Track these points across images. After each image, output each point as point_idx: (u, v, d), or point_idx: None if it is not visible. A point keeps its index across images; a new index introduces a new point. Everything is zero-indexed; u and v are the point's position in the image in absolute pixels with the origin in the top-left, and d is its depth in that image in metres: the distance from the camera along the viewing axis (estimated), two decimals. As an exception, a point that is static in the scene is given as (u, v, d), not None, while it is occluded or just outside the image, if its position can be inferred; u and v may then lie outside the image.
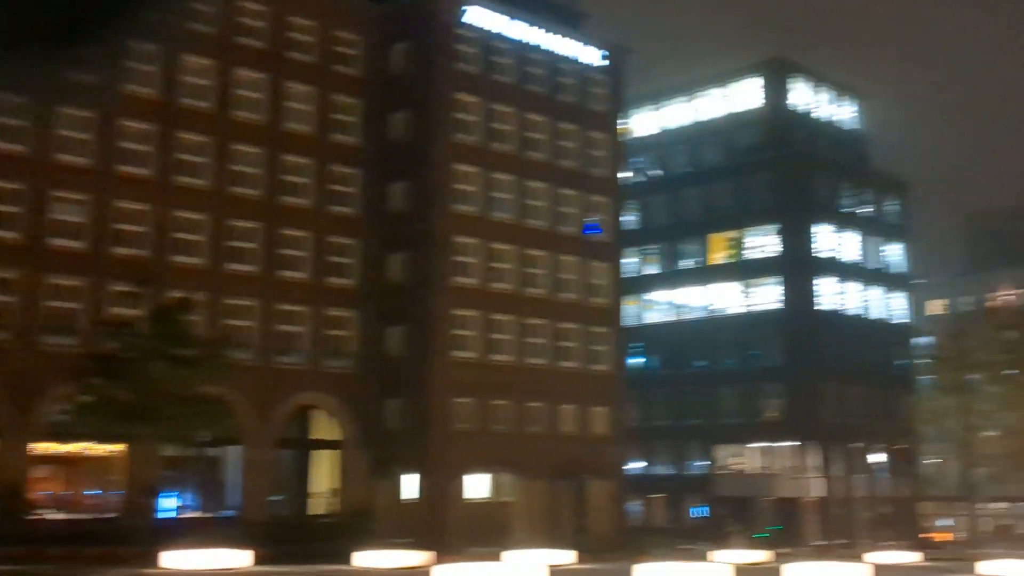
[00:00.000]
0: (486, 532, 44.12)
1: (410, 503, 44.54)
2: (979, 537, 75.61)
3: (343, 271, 45.75)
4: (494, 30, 48.66)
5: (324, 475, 46.12)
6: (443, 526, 42.83)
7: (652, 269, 74.35)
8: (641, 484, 65.00)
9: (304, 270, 44.51)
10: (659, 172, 76.82)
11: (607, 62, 53.11)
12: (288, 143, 44.74)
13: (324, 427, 45.77)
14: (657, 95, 77.13)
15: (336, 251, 45.59)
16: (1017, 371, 48.95)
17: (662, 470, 70.28)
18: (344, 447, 45.29)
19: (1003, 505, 77.55)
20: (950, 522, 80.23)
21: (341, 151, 46.14)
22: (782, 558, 40.31)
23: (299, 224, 44.40)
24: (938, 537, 73.55)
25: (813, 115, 74.09)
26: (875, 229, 72.21)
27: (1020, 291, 79.81)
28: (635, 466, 64.52)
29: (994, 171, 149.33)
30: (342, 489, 44.95)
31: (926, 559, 49.05)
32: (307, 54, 45.75)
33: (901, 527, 67.95)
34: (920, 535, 69.94)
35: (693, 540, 53.19)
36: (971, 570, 38.29)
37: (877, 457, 68.31)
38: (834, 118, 75.76)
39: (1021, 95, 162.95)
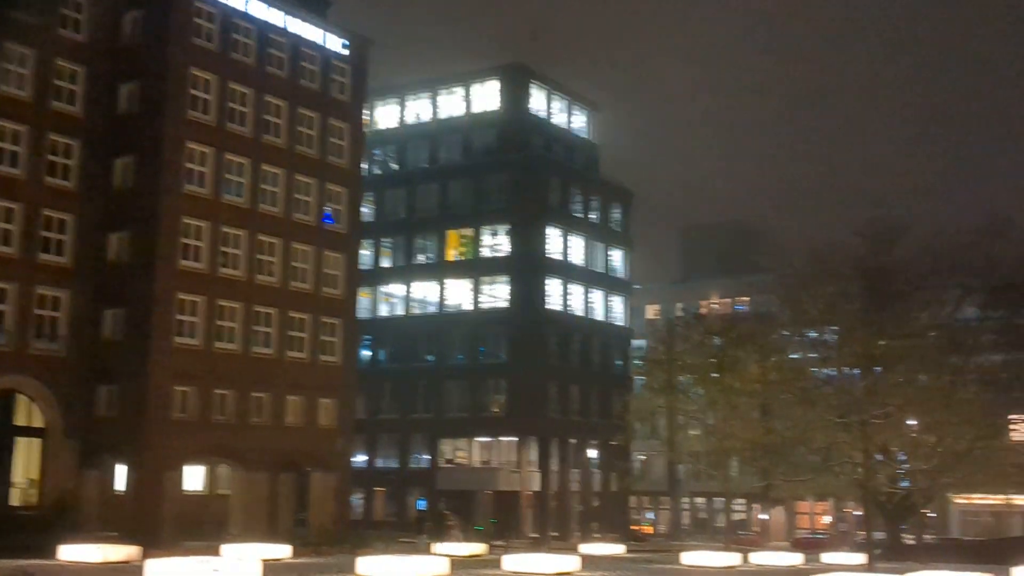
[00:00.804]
0: (202, 525, 42.66)
1: (123, 495, 42.36)
2: (680, 530, 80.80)
3: (57, 247, 42.81)
4: (234, 6, 47.06)
5: (30, 464, 43.02)
6: (156, 519, 40.98)
7: (387, 262, 74.49)
8: (365, 477, 64.98)
9: (12, 245, 41.29)
10: (398, 166, 77.09)
11: (348, 52, 52.62)
12: (1, 108, 41.36)
13: (28, 413, 42.66)
14: (400, 89, 77.44)
15: (50, 226, 42.59)
16: (721, 375, 52.54)
17: (386, 463, 70.58)
18: (49, 434, 42.40)
19: (702, 500, 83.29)
20: (655, 515, 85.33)
21: (61, 120, 43.16)
22: (497, 550, 41.39)
23: (9, 195, 41.15)
24: (644, 530, 78.03)
25: (549, 121, 76.65)
26: (600, 235, 75.65)
27: (727, 300, 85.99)
28: (360, 459, 64.43)
29: (711, 188, 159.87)
30: (47, 479, 42.03)
31: (631, 551, 51.82)
32: (27, 14, 42.40)
33: (612, 520, 71.58)
34: (630, 527, 73.93)
35: (414, 533, 53.67)
36: (676, 561, 40.82)
37: (592, 453, 71.61)
38: (568, 126, 78.71)
39: (740, 120, 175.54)
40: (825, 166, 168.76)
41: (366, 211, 65.83)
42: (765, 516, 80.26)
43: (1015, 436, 59.23)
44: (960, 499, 69.92)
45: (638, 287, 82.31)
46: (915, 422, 47.48)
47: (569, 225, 72.49)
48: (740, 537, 67.33)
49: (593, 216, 75.48)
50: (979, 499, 68.62)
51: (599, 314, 75.02)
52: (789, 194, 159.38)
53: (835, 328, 49.35)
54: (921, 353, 46.77)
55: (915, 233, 48.63)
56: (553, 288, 70.33)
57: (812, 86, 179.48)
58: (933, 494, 54.23)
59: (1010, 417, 55.67)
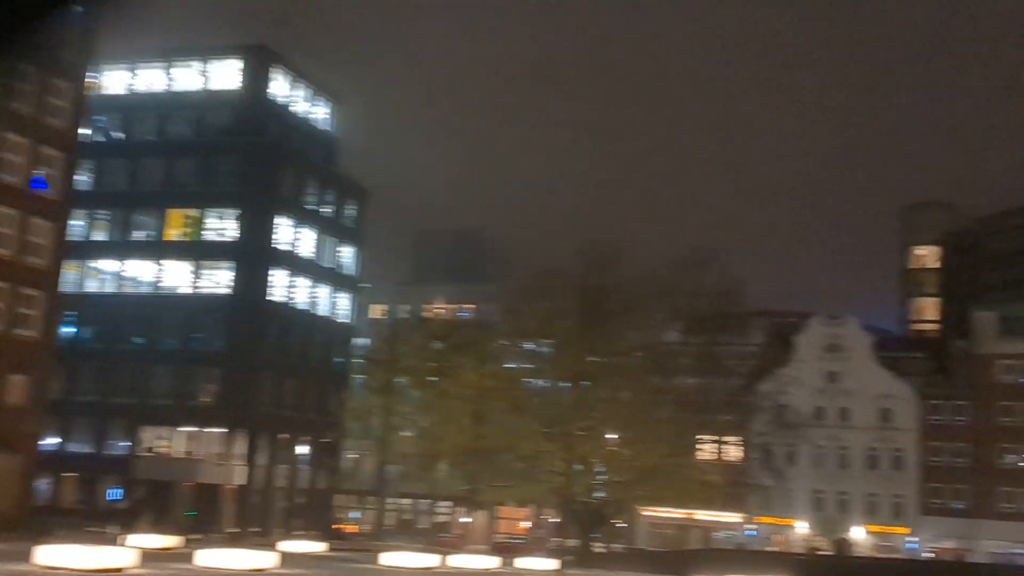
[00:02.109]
0: None
1: None
2: (384, 530, 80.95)
3: None
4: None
5: None
6: None
7: (101, 236, 70.21)
8: (54, 461, 60.85)
9: None
10: (122, 135, 72.94)
11: (81, 8, 49.32)
12: None
13: None
14: (133, 55, 73.19)
15: None
16: (438, 379, 53.26)
17: (79, 448, 66.39)
18: None
19: (408, 501, 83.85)
20: (361, 515, 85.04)
21: None
22: (193, 544, 39.90)
23: None
24: (348, 528, 77.58)
25: (288, 109, 74.95)
26: (332, 229, 74.67)
27: (451, 306, 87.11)
28: (50, 442, 60.23)
29: (449, 195, 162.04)
30: None
31: (332, 549, 51.36)
32: None
33: (316, 517, 70.66)
34: (333, 526, 73.26)
35: (106, 523, 50.84)
36: (374, 560, 40.79)
37: (302, 449, 70.49)
38: (309, 116, 77.28)
39: (489, 134, 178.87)
40: (558, 185, 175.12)
41: (83, 179, 61.86)
42: (468, 519, 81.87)
43: (702, 455, 63.41)
44: (648, 511, 74.16)
45: (366, 286, 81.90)
46: (615, 436, 49.93)
47: (301, 216, 71.12)
48: (441, 539, 68.30)
49: (327, 210, 74.46)
50: (665, 512, 73.00)
51: (324, 309, 74.02)
52: (523, 210, 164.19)
53: (551, 342, 51.24)
54: (626, 371, 49.34)
55: (632, 257, 51.34)
56: (278, 279, 68.72)
57: (562, 110, 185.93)
58: (625, 505, 57.23)
59: (698, 437, 59.46)
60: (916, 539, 73.38)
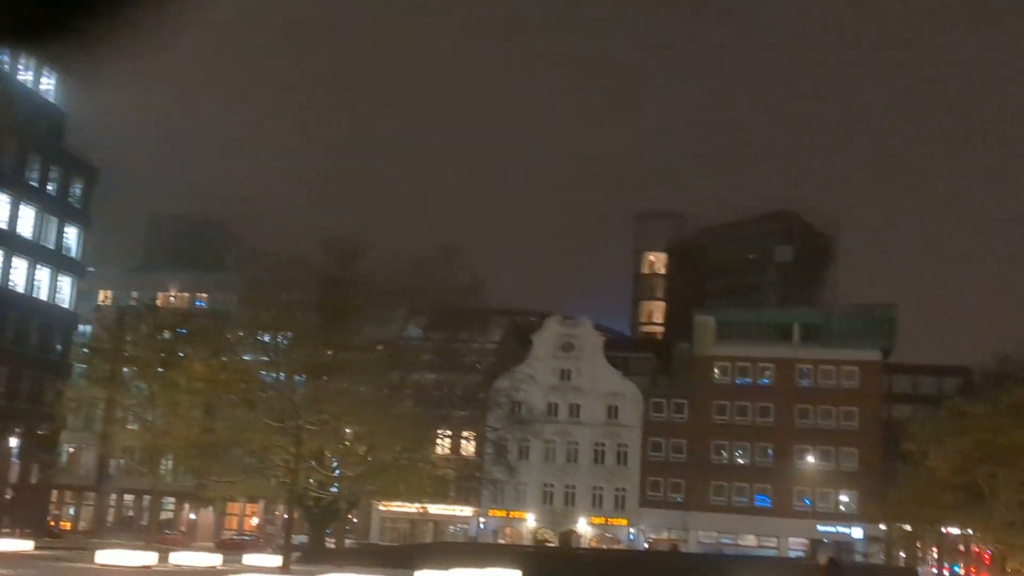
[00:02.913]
0: None
1: None
2: (103, 527, 76.78)
3: None
4: None
5: None
6: None
7: None
8: None
9: None
10: None
11: None
12: None
13: None
14: None
15: None
16: (166, 370, 50.98)
17: None
18: None
19: (131, 497, 79.90)
20: (79, 510, 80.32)
21: None
22: None
23: None
24: (63, 525, 73.12)
25: (13, 77, 69.62)
26: (56, 208, 70.07)
27: (185, 295, 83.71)
28: None
29: (187, 179, 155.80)
30: None
31: (42, 547, 48.24)
32: None
33: (29, 514, 66.03)
34: (48, 523, 68.80)
35: None
36: (90, 559, 38.59)
37: (13, 441, 65.69)
38: (35, 87, 72.03)
39: (225, 117, 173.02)
40: (313, 175, 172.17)
41: None
42: (194, 516, 79.04)
43: (438, 450, 64.08)
44: (382, 506, 74.23)
45: (92, 270, 77.34)
46: (350, 431, 49.52)
47: (20, 193, 66.26)
48: (165, 536, 65.58)
49: (51, 188, 69.74)
50: (399, 507, 73.31)
51: (44, 293, 69.27)
52: (264, 197, 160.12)
53: (288, 334, 50.16)
54: (365, 366, 49.00)
55: (376, 252, 51.04)
56: (-7, 258, 63.73)
57: (310, 94, 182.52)
58: (358, 500, 56.92)
59: (435, 432, 60.01)
60: (635, 530, 77.29)
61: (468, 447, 68.96)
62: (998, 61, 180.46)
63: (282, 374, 50.26)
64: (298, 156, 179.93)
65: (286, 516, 51.59)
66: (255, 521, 79.98)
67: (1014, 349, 65.15)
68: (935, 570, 69.81)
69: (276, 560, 46.01)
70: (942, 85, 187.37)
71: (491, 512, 76.67)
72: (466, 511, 76.58)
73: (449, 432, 65.03)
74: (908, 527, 66.47)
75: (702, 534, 76.27)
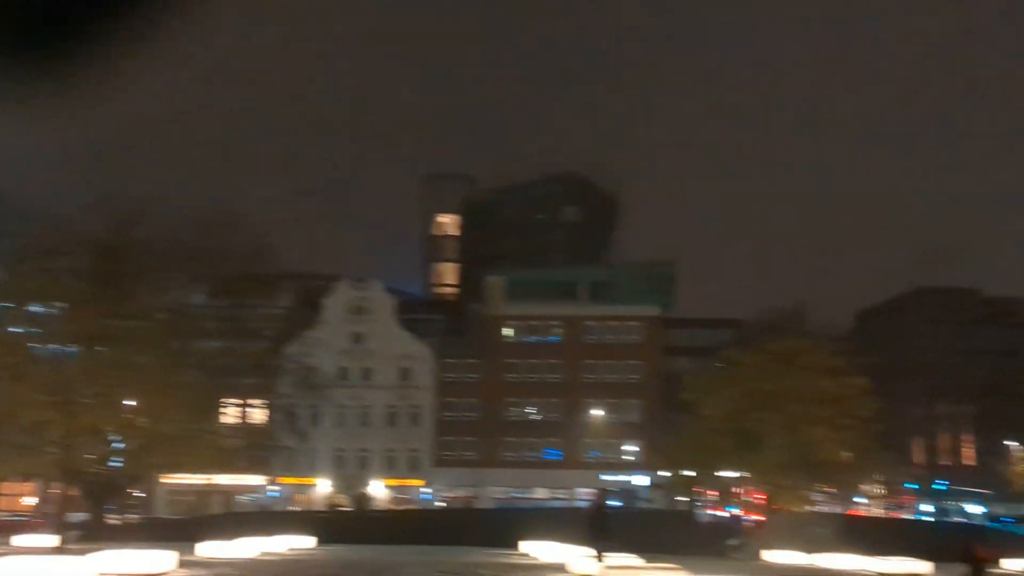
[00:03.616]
0: None
1: None
2: None
3: None
4: None
5: None
6: None
7: None
8: None
9: None
10: None
11: None
12: None
13: None
14: None
15: None
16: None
17: None
18: None
19: None
20: None
21: None
22: None
23: None
24: None
25: None
26: None
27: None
28: None
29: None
30: None
31: None
32: None
33: None
34: None
35: None
36: None
37: None
38: None
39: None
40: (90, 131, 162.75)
41: None
42: (-37, 499, 74.29)
43: (225, 419, 62.47)
44: (168, 479, 71.88)
45: None
46: (130, 403, 47.51)
47: None
48: (-70, 523, 61.41)
49: None
50: (185, 479, 71.19)
51: None
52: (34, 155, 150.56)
53: (60, 304, 47.47)
54: (143, 335, 46.94)
55: (157, 215, 48.71)
56: None
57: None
58: (140, 474, 54.83)
59: (221, 401, 58.44)
60: (430, 490, 78.04)
61: (257, 415, 67.52)
62: (763, 29, 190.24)
63: (55, 346, 47.58)
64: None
65: (67, 494, 49.17)
66: (31, 501, 75.90)
67: (782, 301, 69.37)
68: (712, 511, 73.79)
69: (53, 539, 43.81)
70: (711, 49, 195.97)
71: (282, 480, 75.62)
72: (257, 480, 75.22)
73: (237, 401, 63.44)
74: (688, 473, 69.86)
75: (495, 490, 77.85)
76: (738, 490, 72.83)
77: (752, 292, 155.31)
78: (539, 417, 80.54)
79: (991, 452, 75.89)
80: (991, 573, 22.67)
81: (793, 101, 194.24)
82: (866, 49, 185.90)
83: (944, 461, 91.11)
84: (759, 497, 68.37)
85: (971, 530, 25.64)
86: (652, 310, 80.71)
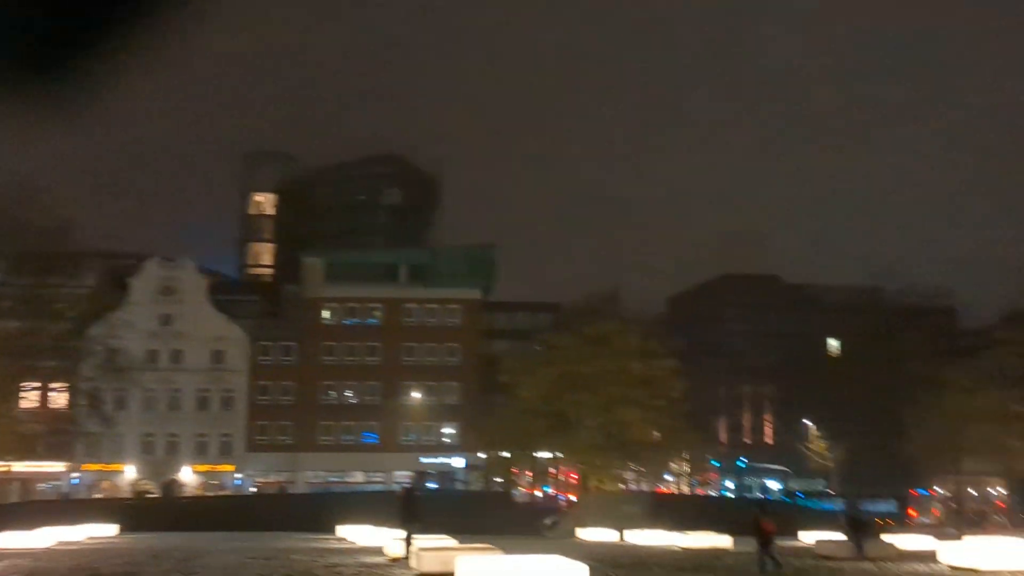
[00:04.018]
0: None
1: None
2: None
3: None
4: None
5: None
6: None
7: None
8: None
9: None
10: None
11: None
12: None
13: None
14: None
15: None
16: None
17: None
18: None
19: None
20: None
21: None
22: None
23: None
24: None
25: None
26: None
27: None
28: None
29: None
30: None
31: None
32: None
33: None
34: None
35: None
36: None
37: None
38: None
39: None
40: None
41: None
42: None
43: (24, 404, 59.32)
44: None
45: None
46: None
47: None
48: None
49: None
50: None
51: None
52: None
53: None
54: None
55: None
56: None
57: None
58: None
59: (20, 384, 55.48)
60: (242, 475, 76.24)
61: (59, 399, 64.36)
62: (571, 14, 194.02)
63: None
64: None
65: None
66: None
67: (600, 286, 71.08)
68: (528, 492, 75.13)
69: None
70: (533, 35, 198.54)
71: (86, 466, 72.38)
72: (58, 466, 71.75)
73: (37, 384, 60.33)
74: (505, 454, 70.83)
75: (310, 474, 76.80)
76: (553, 470, 74.56)
77: (571, 277, 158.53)
78: (357, 400, 79.78)
79: (789, 431, 79.95)
80: (776, 544, 23.94)
81: (609, 90, 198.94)
82: (667, 38, 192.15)
83: (746, 439, 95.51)
84: (573, 477, 70.16)
85: (758, 505, 27.41)
86: (472, 293, 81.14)
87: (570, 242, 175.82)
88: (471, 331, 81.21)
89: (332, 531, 43.34)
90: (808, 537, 38.59)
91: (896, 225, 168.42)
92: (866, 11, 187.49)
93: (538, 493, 76.11)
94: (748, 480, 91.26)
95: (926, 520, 74.82)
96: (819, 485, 79.95)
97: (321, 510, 51.72)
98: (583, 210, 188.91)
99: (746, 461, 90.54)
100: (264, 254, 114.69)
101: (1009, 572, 22.96)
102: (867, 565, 26.49)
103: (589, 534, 46.51)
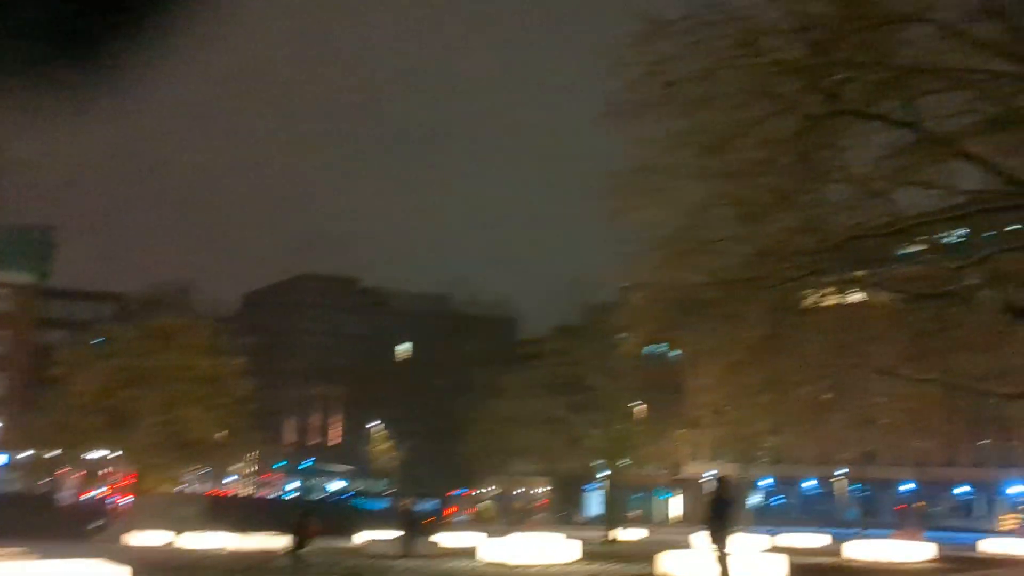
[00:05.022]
0: None
1: None
2: None
3: None
4: None
5: None
6: None
7: None
8: None
9: None
10: None
11: None
12: None
13: None
14: None
15: None
16: None
17: None
18: None
19: None
20: None
21: None
22: None
23: None
24: None
25: None
26: None
27: None
28: None
29: None
30: None
31: None
32: None
33: None
34: None
35: None
36: None
37: None
38: None
39: None
40: None
41: None
42: None
43: None
44: None
45: None
46: None
47: None
48: None
49: None
50: None
51: None
52: None
53: None
54: None
55: None
56: None
57: None
58: None
59: None
60: None
61: None
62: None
63: None
64: None
65: None
66: None
67: (172, 278, 68.16)
68: (76, 493, 70.34)
69: None
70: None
71: None
72: None
73: None
74: (52, 453, 65.85)
75: None
76: (106, 471, 70.31)
77: (141, 267, 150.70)
78: None
79: (356, 432, 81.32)
80: (313, 544, 24.50)
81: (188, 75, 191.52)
82: (247, 52, 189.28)
83: (314, 440, 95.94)
84: (129, 477, 66.56)
85: (303, 506, 28.06)
86: (24, 278, 74.87)
87: (144, 231, 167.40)
88: (22, 318, 75.00)
89: None
90: (361, 537, 39.32)
91: (468, 237, 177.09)
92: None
93: (87, 495, 71.47)
94: (314, 481, 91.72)
95: (464, 518, 78.72)
96: (382, 485, 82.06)
97: None
98: (161, 197, 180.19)
99: (311, 462, 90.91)
100: None
101: (539, 566, 24.75)
102: (412, 563, 27.37)
103: (140, 538, 44.24)
